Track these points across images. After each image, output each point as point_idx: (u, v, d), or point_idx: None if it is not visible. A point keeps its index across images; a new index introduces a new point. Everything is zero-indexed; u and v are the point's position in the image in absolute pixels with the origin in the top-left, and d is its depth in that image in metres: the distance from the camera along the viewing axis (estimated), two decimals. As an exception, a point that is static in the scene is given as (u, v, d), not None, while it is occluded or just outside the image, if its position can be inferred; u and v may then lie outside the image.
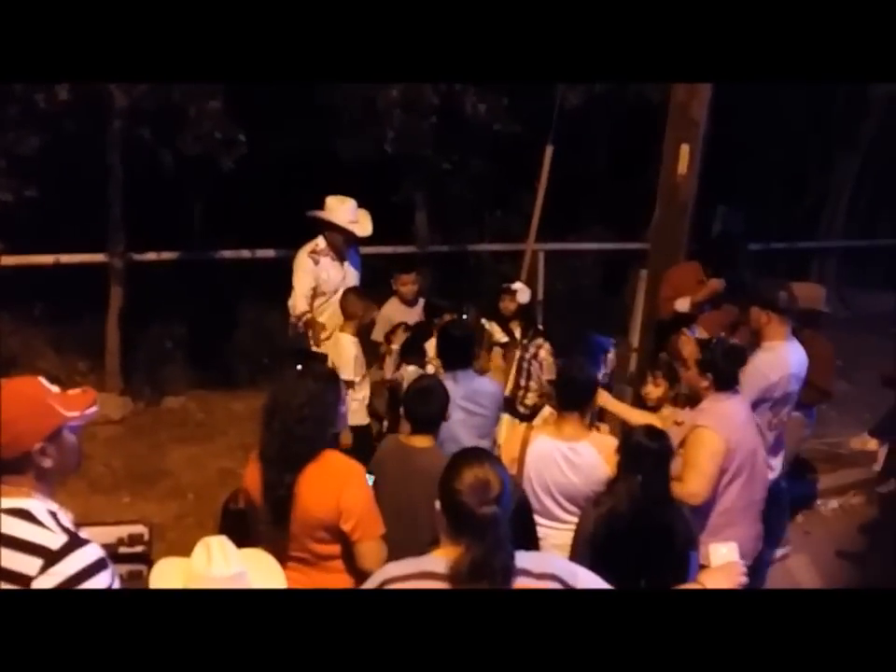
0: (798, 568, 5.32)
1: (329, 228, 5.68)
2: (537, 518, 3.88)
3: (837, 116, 10.63)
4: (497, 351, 5.62)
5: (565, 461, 3.86)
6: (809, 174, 11.52)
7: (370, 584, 2.28)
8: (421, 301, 6.06)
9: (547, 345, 5.60)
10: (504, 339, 5.78)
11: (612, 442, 3.82)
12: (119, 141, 6.73)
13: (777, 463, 4.96)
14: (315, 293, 5.67)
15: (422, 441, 3.78)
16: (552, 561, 2.36)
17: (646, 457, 3.36)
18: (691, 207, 6.12)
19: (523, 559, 2.20)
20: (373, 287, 6.01)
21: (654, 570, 3.23)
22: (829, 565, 5.46)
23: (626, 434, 3.63)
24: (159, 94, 6.20)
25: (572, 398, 3.96)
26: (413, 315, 5.91)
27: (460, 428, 4.31)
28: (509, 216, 9.35)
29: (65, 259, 6.99)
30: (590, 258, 10.08)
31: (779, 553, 5.45)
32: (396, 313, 5.88)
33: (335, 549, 3.19)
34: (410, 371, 5.08)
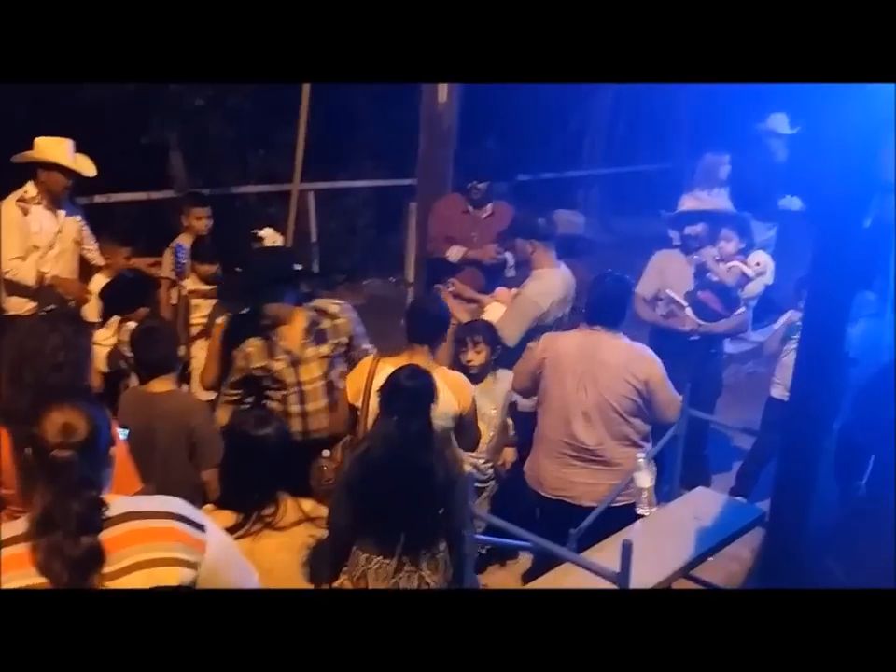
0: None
1: (45, 169, 5.05)
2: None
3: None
4: None
5: None
6: (568, 104, 11.79)
7: None
8: None
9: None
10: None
11: (460, 378, 3.77)
12: None
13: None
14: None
15: (161, 386, 3.67)
16: (175, 502, 2.13)
17: (402, 396, 3.24)
18: (454, 136, 6.08)
19: (132, 503, 2.05)
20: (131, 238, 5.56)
21: (411, 512, 3.19)
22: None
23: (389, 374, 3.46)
24: None
25: (422, 330, 3.81)
26: None
27: None
28: (273, 155, 8.92)
29: None
30: (362, 195, 9.90)
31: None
32: None
33: None
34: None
